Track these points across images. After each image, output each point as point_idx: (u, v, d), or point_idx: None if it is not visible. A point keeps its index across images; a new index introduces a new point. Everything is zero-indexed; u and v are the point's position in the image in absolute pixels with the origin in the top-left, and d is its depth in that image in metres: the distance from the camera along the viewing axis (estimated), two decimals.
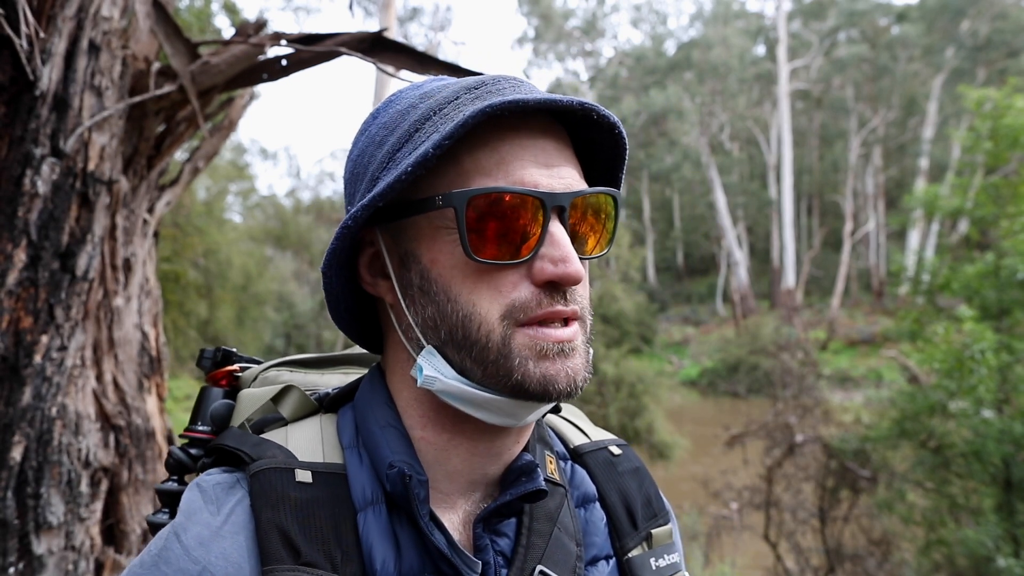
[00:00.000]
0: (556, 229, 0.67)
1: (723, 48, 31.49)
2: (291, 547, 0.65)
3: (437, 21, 25.40)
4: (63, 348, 2.17)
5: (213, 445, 0.78)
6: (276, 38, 2.62)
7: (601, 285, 16.57)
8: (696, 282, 40.66)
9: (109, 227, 2.39)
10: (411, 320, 0.72)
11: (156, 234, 2.92)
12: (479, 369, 0.68)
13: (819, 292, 34.87)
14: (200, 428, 0.85)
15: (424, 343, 0.71)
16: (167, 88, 2.54)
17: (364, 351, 0.92)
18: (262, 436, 0.76)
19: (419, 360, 0.70)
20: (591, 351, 0.73)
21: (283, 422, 0.80)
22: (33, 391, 2.08)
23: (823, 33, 33.04)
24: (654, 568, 0.80)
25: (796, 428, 9.34)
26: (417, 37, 28.09)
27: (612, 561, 0.80)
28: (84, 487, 2.21)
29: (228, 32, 10.84)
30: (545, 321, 0.67)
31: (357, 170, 0.76)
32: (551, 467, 0.80)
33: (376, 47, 2.68)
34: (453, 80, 0.75)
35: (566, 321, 0.68)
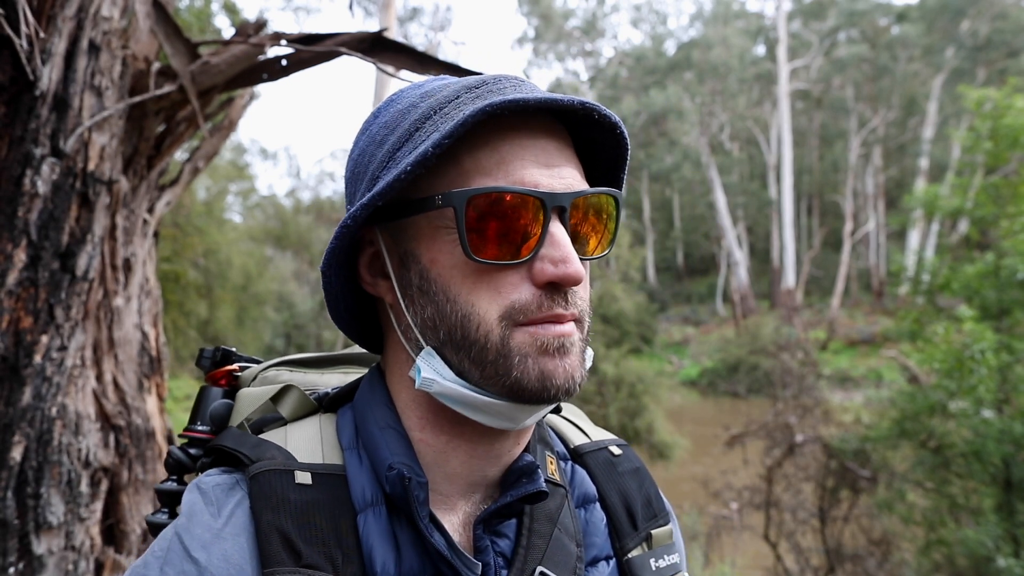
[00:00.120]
0: (556, 229, 0.66)
1: (723, 48, 31.49)
2: (292, 549, 0.65)
3: (437, 21, 25.41)
4: (63, 348, 2.17)
5: (212, 446, 0.78)
6: (276, 38, 2.62)
7: (601, 285, 16.57)
8: (696, 282, 40.66)
9: (109, 227, 2.39)
10: (410, 320, 0.72)
11: (156, 234, 2.92)
12: (477, 370, 0.67)
13: (819, 292, 34.87)
14: (199, 428, 0.85)
15: (423, 344, 0.71)
16: (167, 88, 2.54)
17: (364, 351, 0.92)
18: (261, 436, 0.76)
19: (418, 361, 0.70)
20: (589, 353, 0.73)
21: (282, 422, 0.80)
22: (33, 391, 2.08)
23: (823, 33, 33.05)
24: (654, 569, 0.80)
25: (796, 428, 9.34)
26: (417, 37, 28.11)
27: (612, 562, 0.80)
28: (84, 487, 2.21)
29: (228, 32, 10.84)
30: (545, 323, 0.67)
31: (358, 169, 0.76)
32: (551, 468, 0.80)
33: (376, 47, 2.68)
34: (454, 79, 0.75)
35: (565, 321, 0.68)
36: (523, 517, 0.74)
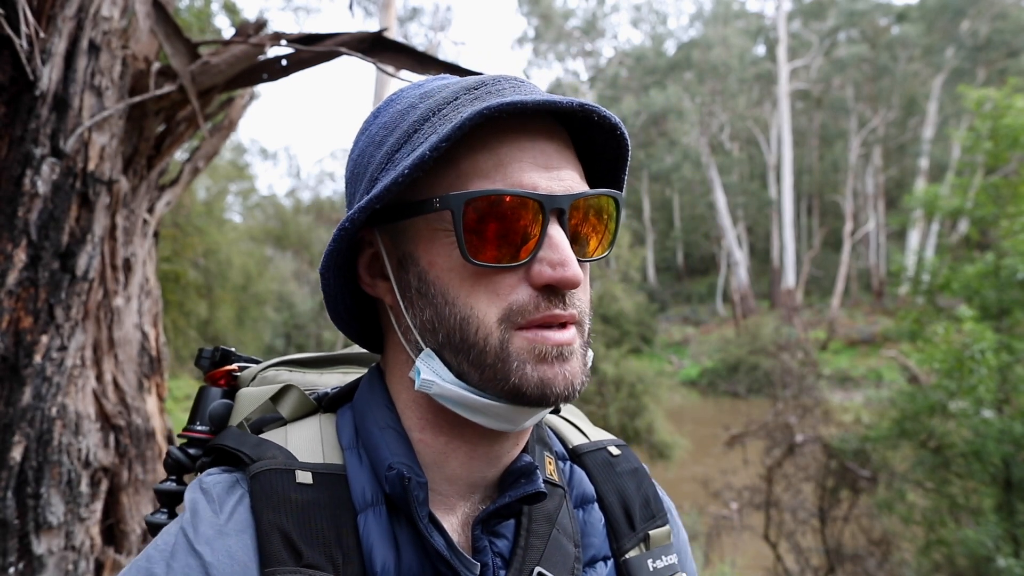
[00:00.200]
0: (555, 232, 0.66)
1: (723, 48, 31.48)
2: (292, 549, 0.65)
3: (437, 21, 25.41)
4: (63, 348, 2.17)
5: (212, 445, 0.78)
6: (276, 38, 2.62)
7: (601, 285, 16.57)
8: (696, 282, 40.66)
9: (109, 227, 2.39)
10: (409, 322, 0.72)
11: (156, 234, 2.92)
12: (476, 372, 0.67)
13: (819, 292, 34.87)
14: (199, 428, 0.85)
15: (423, 345, 0.71)
16: (167, 88, 2.54)
17: (363, 350, 0.92)
18: (261, 436, 0.76)
19: (417, 363, 0.70)
20: (589, 354, 0.73)
21: (282, 422, 0.80)
22: (33, 391, 2.09)
23: (823, 33, 33.04)
24: (651, 569, 0.80)
25: (796, 428, 9.34)
26: (417, 37, 28.11)
27: (610, 562, 0.80)
28: (84, 487, 2.21)
29: (228, 32, 10.84)
30: (543, 324, 0.67)
31: (357, 170, 0.76)
32: (550, 468, 0.80)
33: (376, 47, 2.68)
34: (454, 79, 0.74)
35: (564, 324, 0.68)
36: (521, 518, 0.74)
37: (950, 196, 9.34)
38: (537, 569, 0.71)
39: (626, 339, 16.83)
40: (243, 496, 0.69)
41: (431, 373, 0.69)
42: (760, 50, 37.30)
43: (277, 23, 57.56)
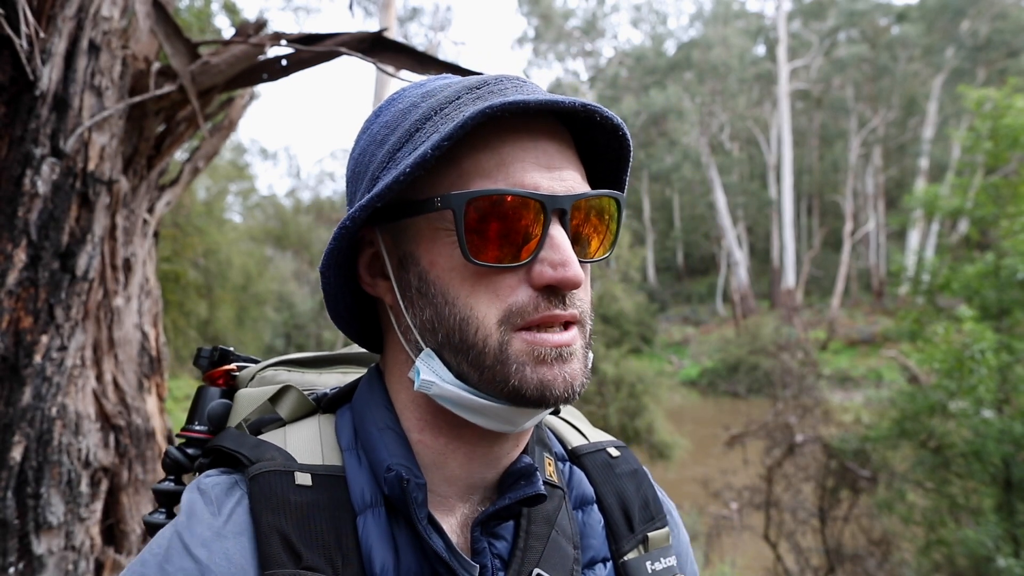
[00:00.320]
0: (556, 232, 0.66)
1: (723, 48, 31.48)
2: (292, 551, 0.64)
3: (437, 21, 25.41)
4: (63, 348, 2.17)
5: (211, 446, 0.78)
6: (276, 38, 2.62)
7: (601, 285, 16.58)
8: (696, 282, 40.66)
9: (109, 227, 2.39)
10: (409, 322, 0.71)
11: (156, 234, 2.92)
12: (475, 373, 0.67)
13: (819, 292, 34.86)
14: (197, 428, 0.85)
15: (423, 345, 0.71)
16: (167, 88, 2.54)
17: (363, 350, 0.92)
18: (260, 438, 0.76)
19: (417, 363, 0.70)
20: (590, 355, 0.73)
21: (281, 423, 0.79)
22: (33, 391, 2.08)
23: (823, 33, 33.03)
24: (650, 571, 0.80)
25: (796, 428, 9.34)
26: (417, 37, 28.11)
27: (609, 564, 0.79)
28: (84, 487, 2.21)
29: (228, 32, 10.84)
30: (543, 325, 0.66)
31: (358, 169, 0.76)
32: (550, 469, 0.80)
33: (376, 47, 2.68)
34: (456, 79, 0.74)
35: (565, 325, 0.68)
36: (521, 519, 0.74)
37: (950, 196, 9.34)
38: (536, 571, 0.71)
39: (626, 339, 16.83)
40: (242, 498, 0.68)
41: (431, 373, 0.68)
42: (760, 50, 37.29)
43: (277, 23, 57.59)
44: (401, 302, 0.72)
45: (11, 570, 2.00)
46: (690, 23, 42.04)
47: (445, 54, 25.12)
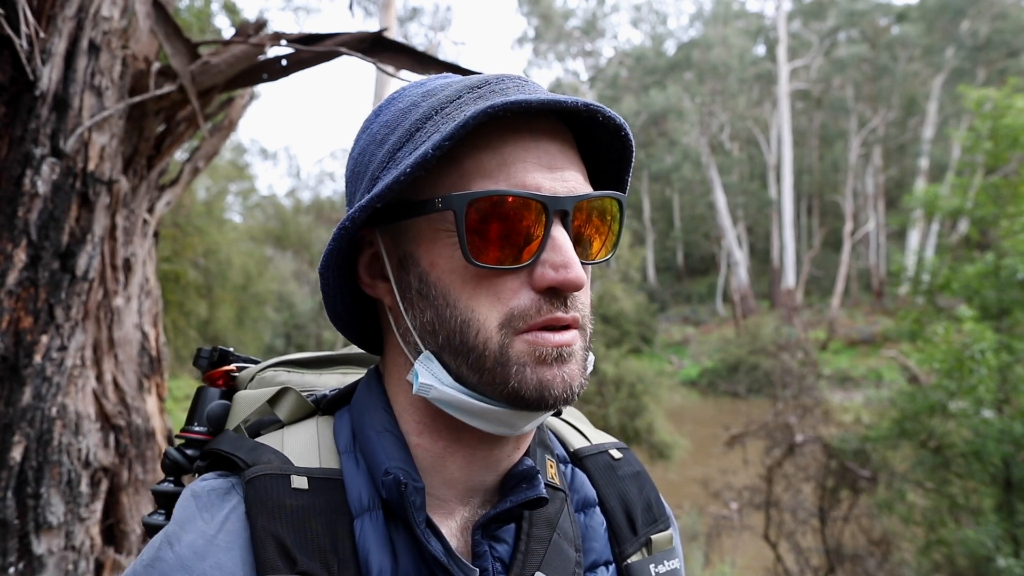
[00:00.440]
0: (558, 234, 0.65)
1: (723, 48, 31.47)
2: (287, 556, 0.64)
3: (437, 21, 25.41)
4: (63, 348, 2.17)
5: (208, 449, 0.77)
6: (276, 38, 2.62)
7: (601, 285, 16.57)
8: (696, 282, 40.66)
9: (109, 227, 2.39)
10: (409, 324, 0.71)
11: (156, 234, 2.92)
12: (475, 376, 0.67)
13: (819, 292, 34.86)
14: (196, 429, 0.85)
15: (422, 348, 0.70)
16: (167, 88, 2.54)
17: (363, 351, 0.92)
18: (257, 440, 0.75)
19: (416, 366, 0.69)
20: (591, 358, 0.72)
21: (279, 425, 0.79)
22: (33, 391, 2.08)
23: (823, 33, 33.03)
24: (653, 574, 0.80)
25: (796, 428, 9.35)
26: (417, 37, 28.10)
27: (612, 567, 0.79)
28: (84, 487, 2.21)
29: (228, 32, 10.84)
30: (544, 327, 0.66)
31: (358, 168, 0.75)
32: (551, 471, 0.79)
33: (376, 47, 2.68)
34: (457, 78, 0.74)
35: (565, 327, 0.67)
36: (522, 522, 0.73)
37: (950, 196, 9.34)
38: (537, 574, 0.70)
39: (626, 339, 16.82)
40: (238, 504, 0.68)
41: (430, 376, 0.68)
42: (760, 50, 37.29)
43: (277, 23, 57.58)
44: (401, 304, 0.71)
45: (11, 570, 2.00)
46: (690, 23, 42.06)
47: (445, 54, 25.12)
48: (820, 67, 33.43)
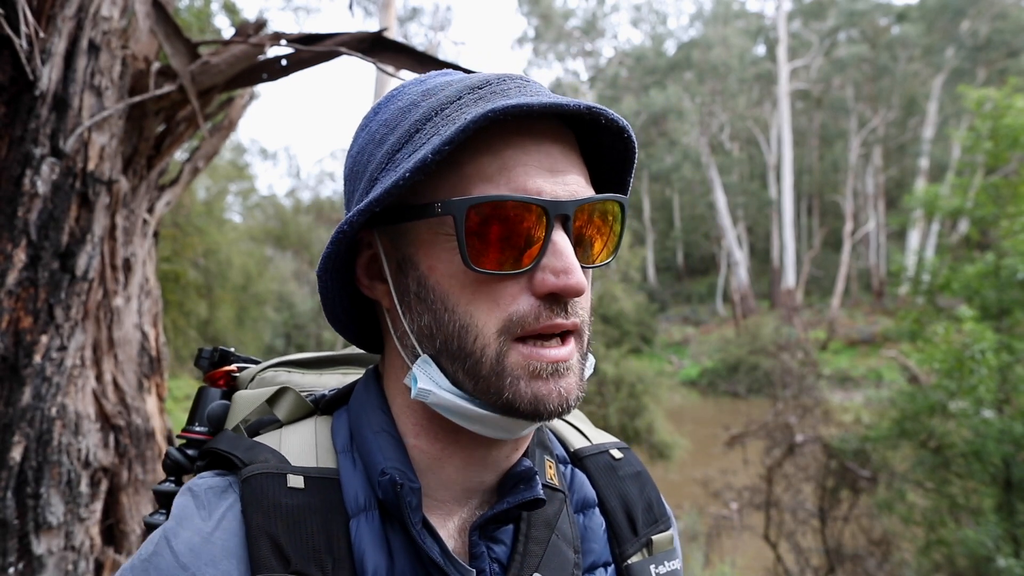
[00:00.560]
0: (559, 238, 0.64)
1: (723, 48, 31.47)
2: (281, 555, 0.64)
3: (437, 21, 25.40)
4: (63, 348, 2.17)
5: (207, 448, 0.77)
6: (276, 38, 2.62)
7: (601, 285, 16.56)
8: (696, 282, 40.66)
9: (109, 227, 2.39)
10: (406, 327, 0.70)
11: (156, 234, 2.92)
12: (471, 382, 0.66)
13: (819, 292, 34.86)
14: (197, 429, 0.85)
15: (420, 351, 0.69)
16: (167, 88, 2.54)
17: (363, 351, 0.92)
18: (255, 439, 0.75)
19: (414, 370, 0.69)
20: (590, 362, 0.72)
21: (278, 424, 0.79)
22: (33, 391, 2.08)
23: (823, 33, 33.02)
24: (654, 575, 0.79)
25: (796, 428, 9.34)
26: (417, 37, 28.10)
27: (611, 568, 0.79)
28: (84, 487, 2.21)
29: (228, 32, 10.84)
30: (542, 336, 0.65)
31: (357, 168, 0.74)
32: (550, 472, 0.79)
33: (376, 47, 2.68)
34: (458, 76, 0.73)
35: (564, 337, 0.67)
36: (520, 523, 0.73)
37: (950, 196, 9.33)
38: (535, 575, 0.70)
39: (626, 339, 16.83)
40: (234, 502, 0.68)
41: (428, 381, 0.67)
42: (760, 50, 37.28)
43: (277, 23, 57.59)
44: (399, 307, 0.71)
45: (11, 570, 2.00)
46: (690, 23, 42.07)
47: (445, 54, 25.12)
48: (820, 67, 33.43)
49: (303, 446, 0.74)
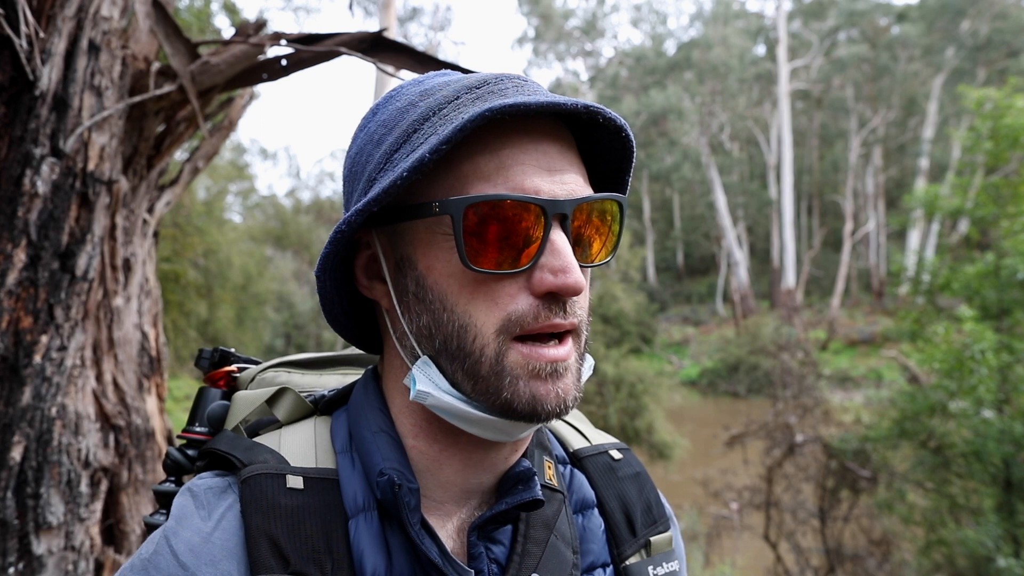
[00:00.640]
0: (557, 237, 0.64)
1: (723, 48, 31.47)
2: (280, 555, 0.64)
3: (437, 21, 25.40)
4: (63, 348, 2.17)
5: (206, 448, 0.77)
6: (276, 38, 2.62)
7: (601, 285, 16.56)
8: (696, 282, 40.66)
9: (109, 227, 2.39)
10: (405, 327, 0.70)
11: (156, 234, 2.91)
12: (469, 383, 0.66)
13: (819, 292, 34.87)
14: (197, 429, 0.85)
15: (419, 352, 0.69)
16: (167, 88, 2.54)
17: (363, 352, 0.92)
18: (255, 440, 0.75)
19: (413, 371, 0.69)
20: (588, 363, 0.71)
21: (277, 425, 0.79)
22: (33, 391, 2.08)
23: (823, 33, 33.02)
24: None
25: (796, 428, 9.35)
26: (417, 37, 28.09)
27: (609, 569, 0.79)
28: (84, 487, 2.21)
29: (228, 32, 10.83)
30: (541, 336, 0.65)
31: (355, 168, 0.74)
32: (549, 472, 0.79)
33: (376, 47, 2.68)
34: (455, 76, 0.73)
35: (562, 337, 0.66)
36: (519, 523, 0.73)
37: (950, 196, 9.33)
38: None
39: (626, 339, 16.83)
40: (234, 502, 0.68)
41: (427, 383, 0.67)
42: (760, 50, 37.28)
43: (277, 23, 57.59)
44: (398, 307, 0.71)
45: (11, 570, 2.00)
46: (690, 23, 42.06)
47: (445, 54, 25.13)
48: (820, 67, 33.43)
49: (302, 446, 0.74)
